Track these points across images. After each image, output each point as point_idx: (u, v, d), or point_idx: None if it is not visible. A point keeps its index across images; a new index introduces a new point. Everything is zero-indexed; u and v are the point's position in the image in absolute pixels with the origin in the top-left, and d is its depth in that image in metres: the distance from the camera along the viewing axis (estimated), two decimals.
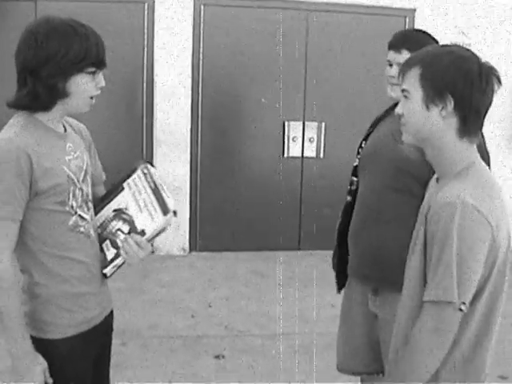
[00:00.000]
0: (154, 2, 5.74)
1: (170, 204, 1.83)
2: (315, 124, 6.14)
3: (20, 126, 1.81)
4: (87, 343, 1.95)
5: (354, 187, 2.60)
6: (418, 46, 2.44)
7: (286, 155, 6.15)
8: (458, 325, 1.60)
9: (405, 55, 2.39)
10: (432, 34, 2.49)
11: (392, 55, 2.47)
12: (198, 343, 4.10)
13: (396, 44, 2.47)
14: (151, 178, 1.90)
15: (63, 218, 1.84)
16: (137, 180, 1.94)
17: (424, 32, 2.53)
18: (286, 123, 6.09)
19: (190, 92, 5.90)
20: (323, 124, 6.12)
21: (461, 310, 1.58)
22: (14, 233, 1.77)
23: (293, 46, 6.02)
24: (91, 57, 1.81)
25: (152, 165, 1.93)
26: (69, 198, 1.86)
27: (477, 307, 1.64)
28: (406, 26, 6.10)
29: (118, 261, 1.88)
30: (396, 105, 2.61)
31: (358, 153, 2.58)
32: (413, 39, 2.46)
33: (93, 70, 1.84)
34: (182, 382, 3.58)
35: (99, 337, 2.04)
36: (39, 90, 1.79)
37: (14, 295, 1.78)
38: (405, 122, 1.72)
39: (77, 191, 1.89)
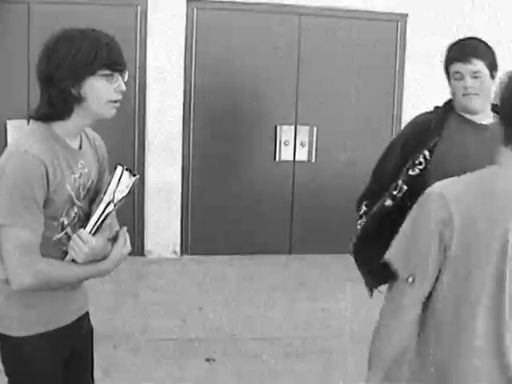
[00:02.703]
0: (146, 5, 5.74)
1: (110, 194, 1.84)
2: (307, 128, 6.15)
3: (39, 137, 1.80)
4: (56, 343, 1.92)
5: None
6: (486, 53, 2.49)
7: (277, 159, 6.15)
8: (410, 299, 1.70)
9: (476, 64, 2.45)
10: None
11: (462, 67, 2.47)
12: (189, 346, 4.09)
13: (465, 56, 2.47)
14: (112, 177, 1.89)
15: (49, 232, 1.83)
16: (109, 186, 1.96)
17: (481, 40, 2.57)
18: (278, 127, 6.10)
19: (182, 96, 5.90)
20: (315, 128, 6.13)
21: (407, 280, 1.68)
22: (39, 241, 1.80)
23: (285, 50, 6.04)
24: (102, 58, 1.77)
25: (128, 169, 1.90)
26: (61, 215, 1.86)
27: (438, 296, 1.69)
28: (398, 31, 6.13)
29: (67, 258, 1.89)
30: (446, 106, 2.57)
31: (419, 163, 2.49)
32: (480, 47, 2.49)
33: (107, 72, 1.80)
34: None
35: (71, 337, 2.01)
36: (53, 96, 1.78)
37: (60, 272, 1.84)
38: None
39: (72, 210, 1.89)
